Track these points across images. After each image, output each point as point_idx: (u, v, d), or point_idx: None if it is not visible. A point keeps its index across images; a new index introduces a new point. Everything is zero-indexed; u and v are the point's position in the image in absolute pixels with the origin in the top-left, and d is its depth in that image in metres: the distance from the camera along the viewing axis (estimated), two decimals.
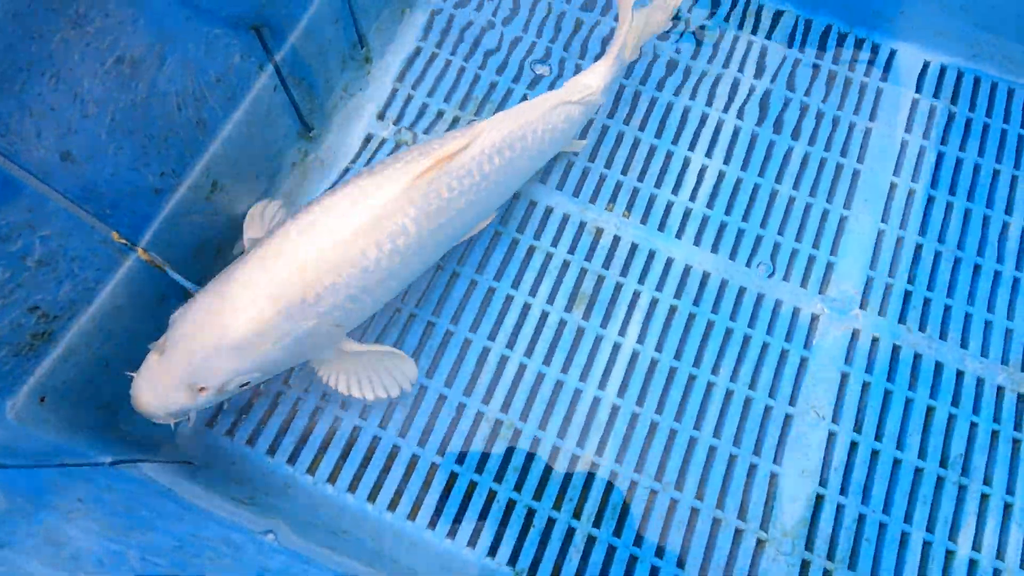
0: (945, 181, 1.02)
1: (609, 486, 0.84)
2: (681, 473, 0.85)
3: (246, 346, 0.67)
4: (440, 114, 1.04)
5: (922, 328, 0.94)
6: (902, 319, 0.94)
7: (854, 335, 0.93)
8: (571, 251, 0.96)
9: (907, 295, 0.95)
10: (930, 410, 0.89)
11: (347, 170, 1.00)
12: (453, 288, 0.94)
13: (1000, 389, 0.90)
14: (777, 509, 0.84)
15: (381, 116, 1.04)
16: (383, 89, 1.05)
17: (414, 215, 0.73)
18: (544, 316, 0.92)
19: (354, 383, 0.80)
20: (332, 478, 0.84)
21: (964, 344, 0.93)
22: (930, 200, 1.01)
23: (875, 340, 0.92)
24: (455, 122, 1.03)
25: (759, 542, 0.83)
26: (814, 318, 0.94)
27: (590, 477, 0.85)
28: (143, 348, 0.68)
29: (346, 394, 0.80)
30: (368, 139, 1.02)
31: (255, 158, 0.81)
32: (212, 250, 0.79)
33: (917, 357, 0.92)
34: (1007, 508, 0.84)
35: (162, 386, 0.65)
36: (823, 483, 0.85)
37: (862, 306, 0.95)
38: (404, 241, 0.73)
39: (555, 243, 0.96)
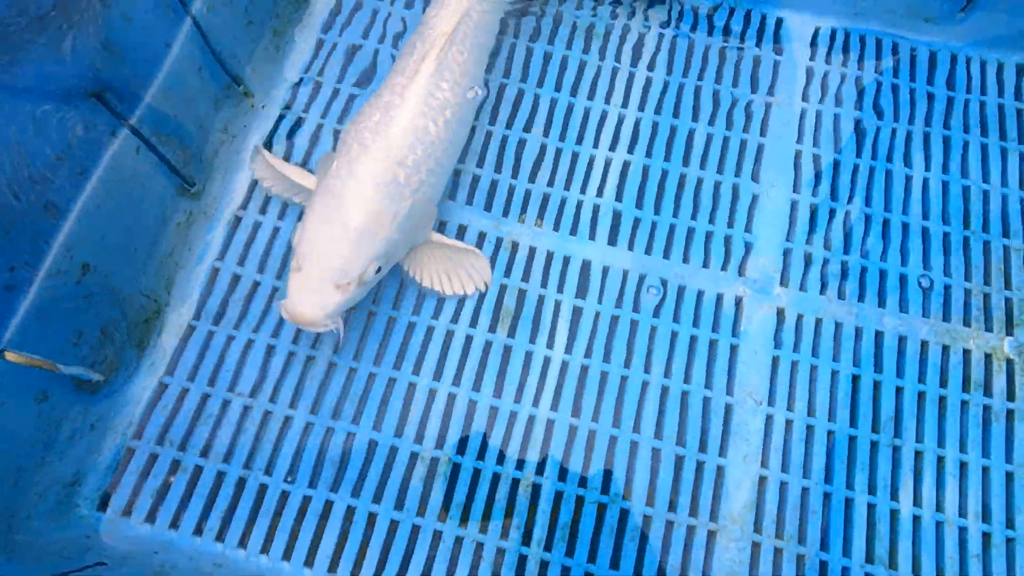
0: (848, 142, 1.03)
1: (556, 506, 0.82)
2: (627, 481, 0.84)
3: (368, 234, 0.77)
4: (336, 133, 1.00)
5: (841, 295, 0.94)
6: (823, 290, 0.95)
7: (779, 314, 0.93)
8: (490, 269, 0.93)
9: (825, 263, 0.96)
10: (856, 378, 0.90)
11: (238, 219, 0.95)
12: (371, 329, 0.89)
13: (924, 343, 0.92)
14: (724, 498, 0.84)
15: (268, 146, 0.99)
16: (268, 120, 1.00)
17: (448, 87, 0.87)
18: (469, 341, 0.89)
19: (435, 277, 0.89)
20: (265, 548, 0.80)
21: (882, 303, 0.94)
22: (836, 164, 1.02)
23: (800, 317, 0.93)
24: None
25: (710, 534, 0.83)
26: (738, 301, 0.94)
27: (535, 500, 0.83)
28: (32, 453, 0.62)
29: (428, 287, 0.89)
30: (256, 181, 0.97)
31: (128, 229, 0.75)
32: (95, 333, 0.73)
33: (838, 326, 0.93)
34: (940, 461, 0.86)
35: (316, 294, 0.74)
36: (764, 464, 0.86)
37: (783, 282, 0.95)
38: (451, 112, 0.87)
39: None
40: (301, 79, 1.03)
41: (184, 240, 0.90)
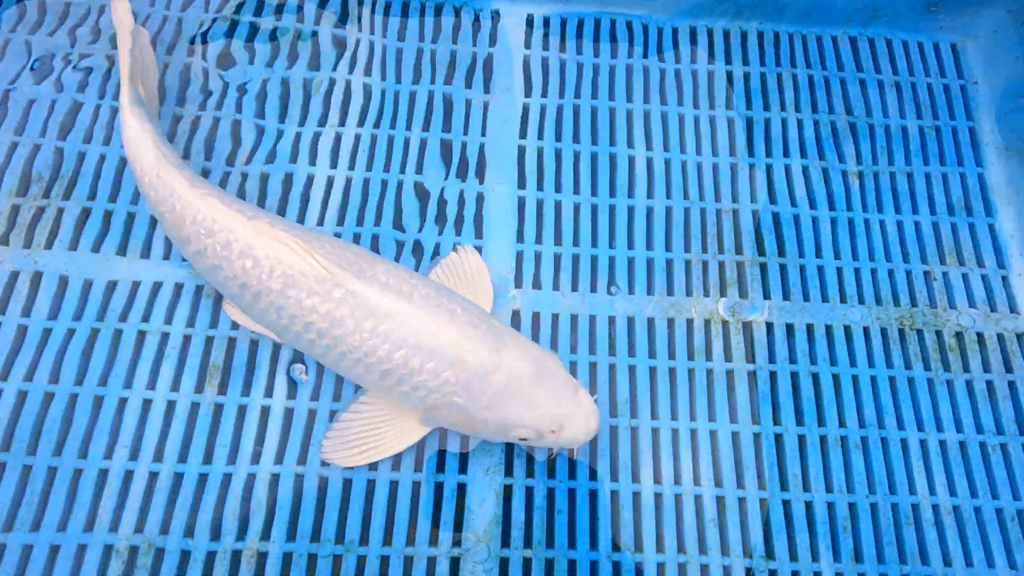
0: (567, 131, 1.04)
1: (285, 570, 0.77)
2: (364, 524, 0.80)
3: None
4: None
5: (575, 288, 0.95)
6: (556, 285, 0.95)
7: (514, 316, 0.92)
8: (190, 323, 0.86)
9: (557, 258, 0.96)
10: (593, 365, 0.90)
11: None
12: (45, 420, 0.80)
13: (651, 320, 0.94)
14: (468, 516, 0.83)
15: None
16: None
17: None
18: (171, 407, 0.82)
19: None
20: None
21: (610, 292, 0.96)
22: (558, 154, 1.02)
23: (536, 315, 0.92)
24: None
25: (453, 560, 0.80)
26: None
27: (260, 570, 0.77)
28: None
29: None
30: None
31: None
32: None
33: (574, 319, 0.93)
34: (675, 434, 0.87)
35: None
36: (509, 473, 0.85)
37: (517, 284, 0.94)
38: None
39: (169, 320, 0.86)
40: None
41: None
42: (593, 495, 0.84)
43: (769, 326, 0.94)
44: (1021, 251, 0.99)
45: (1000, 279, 0.98)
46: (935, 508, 0.85)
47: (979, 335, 0.94)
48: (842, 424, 0.89)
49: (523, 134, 1.02)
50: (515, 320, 0.92)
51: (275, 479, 0.80)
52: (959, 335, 0.94)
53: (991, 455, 0.88)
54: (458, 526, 0.81)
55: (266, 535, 0.78)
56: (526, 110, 1.04)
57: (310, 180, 0.96)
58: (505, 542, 0.81)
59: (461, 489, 0.83)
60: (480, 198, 0.98)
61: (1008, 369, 0.93)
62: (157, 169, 0.81)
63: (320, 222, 0.93)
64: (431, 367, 0.74)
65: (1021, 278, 0.97)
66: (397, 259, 0.93)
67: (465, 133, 1.01)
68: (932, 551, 0.83)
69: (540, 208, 0.98)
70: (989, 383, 0.92)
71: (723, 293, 0.95)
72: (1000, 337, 0.94)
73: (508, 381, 0.74)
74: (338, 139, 0.99)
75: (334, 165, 0.97)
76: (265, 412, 0.83)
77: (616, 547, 0.82)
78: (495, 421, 0.75)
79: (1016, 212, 1.01)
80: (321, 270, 0.74)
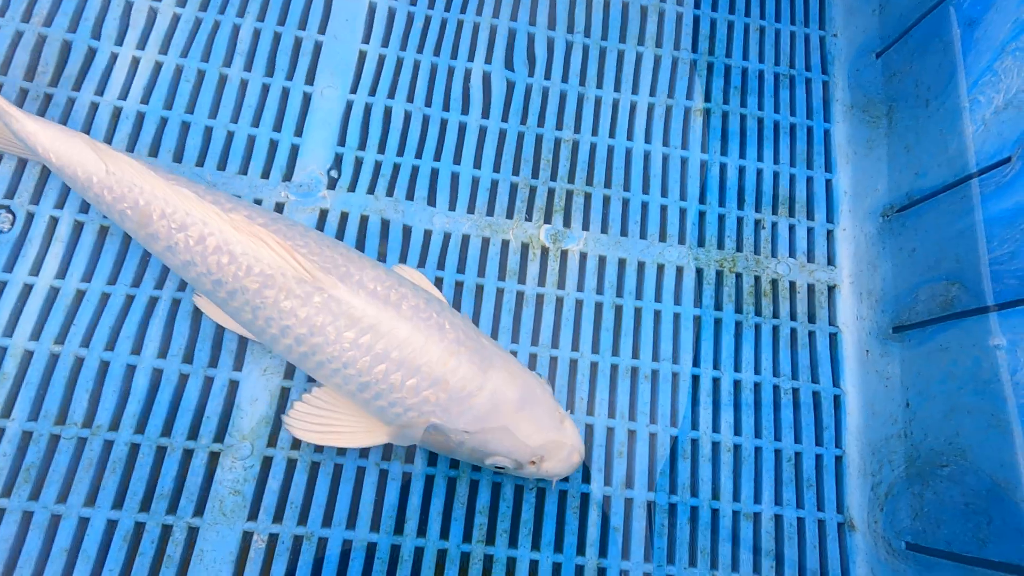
0: (414, 39, 0.99)
1: (22, 448, 0.74)
2: (119, 410, 0.78)
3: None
4: None
5: (390, 194, 0.91)
6: (372, 190, 0.92)
7: (321, 215, 0.89)
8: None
9: (378, 165, 0.93)
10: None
11: None
12: None
13: (466, 237, 0.92)
14: (236, 413, 0.80)
15: None
16: None
17: None
18: None
19: None
20: None
21: (432, 202, 0.92)
22: (399, 62, 0.98)
23: (344, 215, 0.89)
24: None
25: (212, 455, 0.78)
26: (279, 208, 0.89)
27: None
28: None
29: None
30: None
31: None
32: None
33: (385, 223, 0.90)
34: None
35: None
36: (288, 376, 0.82)
37: (330, 186, 0.91)
38: None
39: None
40: None
41: None
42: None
43: (583, 256, 0.93)
44: (851, 208, 0.99)
45: (825, 233, 0.98)
46: (715, 445, 0.86)
47: (792, 284, 0.95)
48: (636, 356, 0.89)
49: (367, 38, 0.98)
50: (321, 221, 0.88)
51: (28, 355, 0.77)
52: (775, 282, 0.94)
53: (782, 398, 0.89)
54: (225, 423, 0.79)
55: (7, 412, 0.75)
56: (372, 10, 0.99)
57: (113, 58, 0.90)
58: (272, 442, 0.80)
59: (233, 385, 0.81)
60: (306, 98, 0.93)
61: (812, 319, 0.93)
62: (104, 166, 0.72)
63: (123, 96, 0.88)
64: (412, 384, 0.68)
65: (845, 233, 0.98)
66: (181, 148, 0.88)
67: (301, 28, 0.96)
68: (703, 484, 0.84)
69: (368, 114, 0.95)
70: (793, 330, 0.93)
71: (548, 220, 0.93)
72: (811, 288, 0.95)
73: (491, 406, 0.69)
74: (152, 15, 0.93)
75: (142, 46, 0.92)
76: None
77: (386, 456, 0.82)
78: (472, 446, 0.71)
79: (854, 171, 1.01)
80: (302, 271, 0.67)
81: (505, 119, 0.97)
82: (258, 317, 0.69)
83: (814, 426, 0.88)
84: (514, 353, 0.86)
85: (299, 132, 0.91)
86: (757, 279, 0.94)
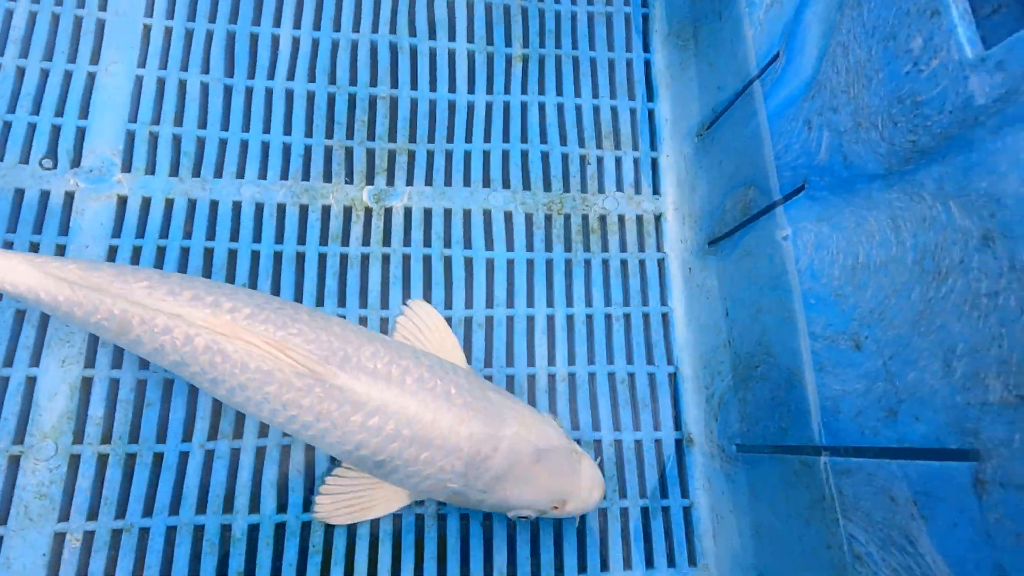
0: (204, 8, 0.95)
1: None
2: None
3: None
4: None
5: (196, 174, 0.88)
6: (175, 171, 0.87)
7: (120, 204, 0.84)
8: None
9: (177, 141, 0.88)
10: (208, 252, 0.85)
11: None
12: None
13: (281, 206, 0.89)
14: (35, 411, 0.76)
15: None
16: None
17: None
18: None
19: None
20: None
21: (241, 175, 0.89)
22: (189, 34, 0.93)
23: (146, 201, 0.85)
24: None
25: (12, 459, 0.74)
26: (68, 197, 0.84)
27: None
28: None
29: None
30: None
31: None
32: None
33: (192, 203, 0.86)
34: None
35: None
36: (90, 365, 0.78)
37: (125, 169, 0.86)
38: None
39: None
40: None
41: None
42: (194, 390, 0.80)
43: (408, 211, 0.91)
44: (672, 135, 1.00)
45: (650, 162, 0.99)
46: (551, 377, 0.87)
47: (620, 217, 0.96)
48: (469, 305, 0.88)
49: (149, 12, 0.93)
50: (120, 210, 0.84)
51: None
52: (603, 218, 0.95)
53: (614, 325, 0.90)
54: (24, 422, 0.75)
55: None
56: None
57: None
58: (78, 439, 0.76)
59: (31, 382, 0.76)
60: (91, 77, 0.88)
61: (641, 248, 0.95)
62: (64, 283, 0.66)
63: None
64: (426, 457, 0.67)
65: (668, 160, 0.99)
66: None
67: (81, 7, 0.90)
68: None
69: (162, 89, 0.90)
70: (623, 261, 0.94)
71: (370, 181, 0.91)
72: (639, 219, 0.96)
73: (507, 464, 0.69)
74: None
75: None
76: None
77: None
78: (492, 503, 0.71)
79: (672, 96, 1.02)
80: (299, 367, 0.64)
81: (312, 79, 0.94)
82: (262, 410, 0.68)
83: (645, 346, 0.90)
84: (343, 316, 0.84)
85: (84, 115, 0.86)
86: (585, 217, 0.95)
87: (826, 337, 0.66)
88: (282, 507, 0.77)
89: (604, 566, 0.81)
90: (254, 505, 0.77)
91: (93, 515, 0.73)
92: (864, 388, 0.60)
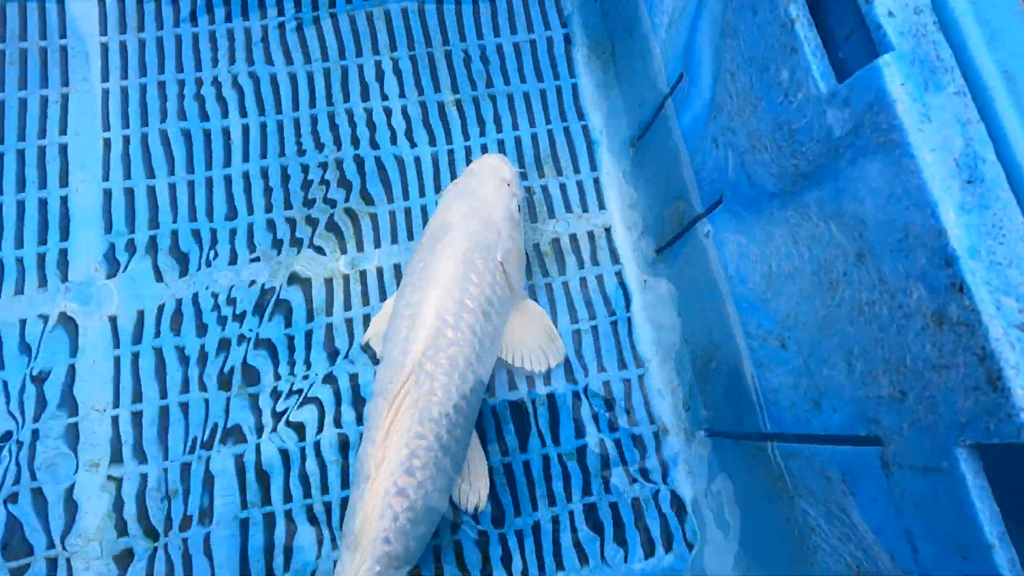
0: (154, 114, 1.02)
1: None
2: None
3: None
4: None
5: (183, 273, 0.95)
6: (159, 276, 0.95)
7: (112, 321, 0.92)
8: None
9: (153, 242, 0.96)
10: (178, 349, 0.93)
11: None
12: None
13: (254, 282, 0.97)
14: (79, 519, 0.85)
15: None
16: None
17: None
18: None
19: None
20: None
21: (233, 261, 0.96)
22: (144, 137, 1.00)
23: (140, 313, 0.93)
24: None
25: (69, 563, 0.83)
26: (67, 319, 0.92)
27: None
28: None
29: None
30: None
31: None
32: None
33: (179, 302, 0.94)
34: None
35: None
36: (117, 459, 0.87)
37: (109, 275, 0.94)
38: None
39: None
40: None
41: None
42: (209, 461, 0.88)
43: (380, 270, 0.98)
44: (608, 152, 1.06)
45: (592, 181, 1.05)
46: (532, 401, 0.95)
47: (573, 236, 1.02)
48: None
49: (107, 126, 1.00)
50: (112, 322, 0.91)
51: None
52: (555, 241, 1.02)
53: (583, 339, 0.97)
54: (66, 530, 0.84)
55: None
56: (106, 95, 1.01)
57: None
58: (123, 533, 0.84)
59: (68, 492, 0.85)
60: (64, 201, 0.95)
61: (595, 262, 1.01)
62: None
63: None
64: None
65: (609, 176, 1.05)
66: None
67: (42, 137, 0.97)
68: (533, 439, 0.92)
69: (131, 196, 0.97)
70: (582, 279, 1.01)
71: (343, 251, 0.98)
72: (591, 235, 1.02)
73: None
74: None
75: None
76: None
77: (244, 505, 0.87)
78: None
79: (604, 116, 1.07)
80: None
81: (264, 156, 1.01)
82: None
83: (616, 351, 0.97)
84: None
85: (65, 237, 0.94)
86: (537, 246, 1.01)
87: (759, 336, 0.73)
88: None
89: (602, 558, 0.90)
90: (287, 564, 0.86)
91: None
92: (793, 382, 0.67)
